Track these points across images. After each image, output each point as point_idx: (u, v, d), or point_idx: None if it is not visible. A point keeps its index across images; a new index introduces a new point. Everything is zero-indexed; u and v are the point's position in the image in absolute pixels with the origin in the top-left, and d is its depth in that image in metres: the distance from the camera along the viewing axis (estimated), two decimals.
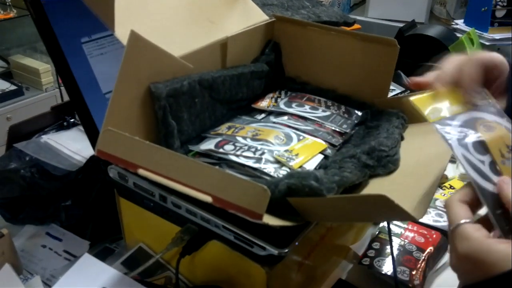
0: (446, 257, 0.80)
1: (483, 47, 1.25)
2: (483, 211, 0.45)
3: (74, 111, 0.88)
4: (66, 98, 0.94)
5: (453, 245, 0.42)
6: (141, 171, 0.51)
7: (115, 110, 0.56)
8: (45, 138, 0.90)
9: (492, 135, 0.47)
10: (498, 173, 0.46)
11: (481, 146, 0.46)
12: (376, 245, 0.79)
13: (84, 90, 0.70)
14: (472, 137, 0.47)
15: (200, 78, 0.68)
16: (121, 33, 0.62)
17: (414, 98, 0.51)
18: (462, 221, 0.42)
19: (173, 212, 0.62)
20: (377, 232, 0.82)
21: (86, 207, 0.76)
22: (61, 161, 0.84)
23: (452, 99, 0.51)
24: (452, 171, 1.04)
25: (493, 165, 0.46)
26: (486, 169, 0.45)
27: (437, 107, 0.49)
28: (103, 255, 0.73)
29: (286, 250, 0.54)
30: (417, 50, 1.22)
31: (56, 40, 0.68)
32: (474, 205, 0.44)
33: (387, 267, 0.74)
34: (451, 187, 0.97)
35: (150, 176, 0.50)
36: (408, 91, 1.12)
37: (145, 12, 0.68)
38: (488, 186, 0.44)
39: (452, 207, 0.44)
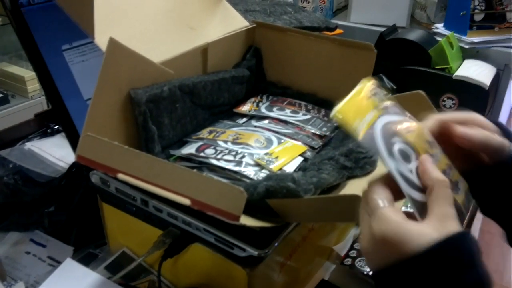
0: None
1: (463, 50, 1.27)
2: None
3: (56, 118, 0.89)
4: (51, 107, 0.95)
5: (369, 227, 0.40)
6: (121, 176, 0.51)
7: (95, 116, 0.56)
8: (29, 145, 0.91)
9: (413, 135, 0.44)
10: None
11: (405, 152, 0.43)
12: (358, 245, 0.80)
13: (65, 97, 0.71)
14: (396, 146, 0.43)
15: (181, 84, 0.69)
16: (101, 40, 0.63)
17: (339, 109, 0.43)
18: (382, 204, 0.40)
19: (155, 216, 0.63)
20: (359, 233, 0.83)
21: (70, 213, 0.76)
22: (45, 167, 0.85)
23: (364, 105, 0.45)
24: None
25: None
26: (414, 177, 0.42)
27: (358, 118, 0.43)
28: (87, 260, 0.74)
29: (266, 251, 0.55)
30: (398, 54, 1.24)
31: (37, 48, 0.69)
32: (395, 191, 0.43)
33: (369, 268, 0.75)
34: None
35: (129, 180, 0.51)
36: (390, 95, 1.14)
37: (125, 19, 0.69)
38: (420, 197, 0.42)
39: (374, 190, 0.42)
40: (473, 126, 0.46)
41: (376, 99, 0.46)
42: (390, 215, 0.39)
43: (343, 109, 0.43)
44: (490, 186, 0.47)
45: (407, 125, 0.45)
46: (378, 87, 0.47)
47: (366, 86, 0.46)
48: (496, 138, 0.45)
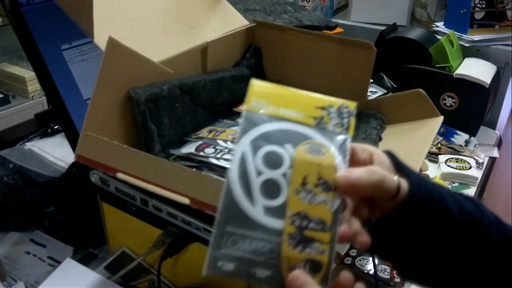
0: None
1: (463, 49, 1.27)
2: None
3: (55, 117, 0.89)
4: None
5: None
6: (120, 175, 0.51)
7: (94, 115, 0.56)
8: (29, 145, 0.91)
9: (311, 158, 0.36)
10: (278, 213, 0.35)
11: (273, 182, 0.35)
12: None
13: (65, 97, 0.71)
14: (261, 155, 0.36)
15: (180, 83, 0.69)
16: (101, 39, 0.63)
17: (255, 83, 0.39)
18: None
19: (155, 216, 0.63)
20: None
21: (69, 212, 0.76)
22: (45, 167, 0.84)
23: (297, 103, 0.39)
24: (434, 171, 1.05)
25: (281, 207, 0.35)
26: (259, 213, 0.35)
27: (268, 101, 0.38)
28: (87, 260, 0.73)
29: None
30: (398, 53, 1.24)
31: (36, 48, 0.69)
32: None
33: (369, 266, 0.75)
34: None
35: (128, 179, 0.51)
36: (390, 93, 1.14)
37: (124, 19, 0.69)
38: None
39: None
40: (359, 166, 0.38)
41: (325, 113, 0.38)
42: None
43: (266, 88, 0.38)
44: (391, 238, 0.41)
45: (320, 148, 0.37)
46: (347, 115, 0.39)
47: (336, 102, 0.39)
48: (389, 178, 0.38)
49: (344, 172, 0.36)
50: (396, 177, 0.39)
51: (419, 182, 0.40)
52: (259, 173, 0.35)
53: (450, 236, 0.40)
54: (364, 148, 0.40)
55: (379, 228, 0.40)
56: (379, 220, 0.41)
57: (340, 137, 0.38)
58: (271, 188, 0.35)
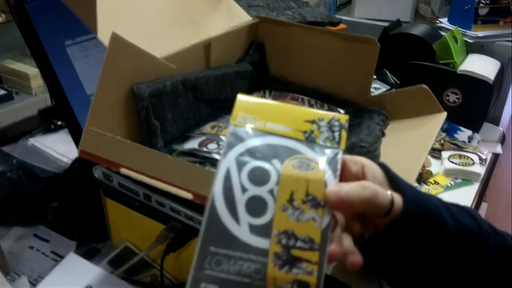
0: None
1: (467, 45, 1.27)
2: None
3: (59, 113, 0.89)
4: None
5: None
6: (123, 170, 0.52)
7: (97, 111, 0.56)
8: (32, 141, 0.91)
9: (298, 173, 0.34)
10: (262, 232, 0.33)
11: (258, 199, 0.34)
12: None
13: (68, 93, 0.71)
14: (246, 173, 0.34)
15: (184, 79, 0.69)
16: (104, 35, 0.63)
17: (241, 98, 0.38)
18: None
19: (158, 211, 0.63)
20: None
21: (73, 208, 0.77)
22: (48, 163, 0.85)
23: (285, 117, 0.37)
24: (436, 167, 1.05)
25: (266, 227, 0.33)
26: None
27: (255, 116, 0.37)
28: (90, 255, 0.74)
29: None
30: (402, 49, 1.23)
31: (40, 44, 0.69)
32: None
33: None
34: (435, 182, 0.98)
35: (132, 175, 0.51)
36: (393, 89, 1.13)
37: (127, 14, 0.69)
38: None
39: None
40: (350, 179, 0.37)
41: (315, 126, 0.37)
42: None
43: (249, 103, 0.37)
44: (385, 256, 0.40)
45: (309, 163, 0.35)
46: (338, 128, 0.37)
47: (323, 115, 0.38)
48: (381, 194, 0.37)
49: (334, 187, 0.34)
50: (389, 192, 0.38)
51: (413, 196, 0.39)
52: (244, 190, 0.34)
53: (447, 252, 0.39)
54: (356, 161, 0.39)
55: (372, 245, 0.39)
56: (371, 237, 0.39)
57: (331, 151, 0.36)
58: (256, 206, 0.33)
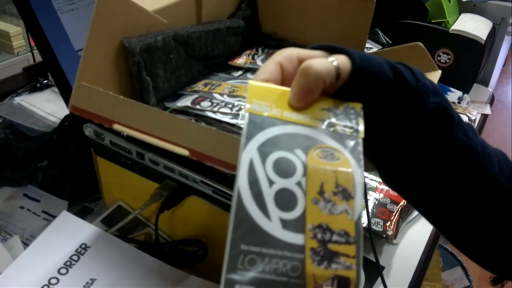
0: None
1: (460, 4, 1.25)
2: None
3: (47, 70, 0.86)
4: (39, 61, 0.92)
5: None
6: (116, 126, 0.50)
7: (87, 65, 0.55)
8: (18, 100, 0.89)
9: (326, 164, 0.33)
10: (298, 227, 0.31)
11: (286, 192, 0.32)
12: None
13: (56, 48, 0.68)
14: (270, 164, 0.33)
15: (175, 34, 0.67)
16: None
17: (253, 83, 0.37)
18: None
19: (151, 169, 0.62)
20: None
21: (63, 167, 0.75)
22: (36, 122, 0.83)
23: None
24: None
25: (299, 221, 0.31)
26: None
27: (270, 104, 0.36)
28: (82, 214, 0.73)
29: None
30: (394, 7, 1.22)
31: None
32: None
33: (363, 219, 0.76)
34: None
35: (125, 130, 0.50)
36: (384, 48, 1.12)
37: None
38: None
39: None
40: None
41: (331, 114, 0.36)
42: None
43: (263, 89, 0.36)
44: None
45: (333, 152, 0.34)
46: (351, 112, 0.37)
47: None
48: (317, 61, 0.36)
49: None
50: (330, 58, 0.37)
51: (358, 53, 0.38)
52: (271, 183, 0.32)
53: (387, 104, 0.39)
54: (290, 59, 0.38)
55: None
56: None
57: (351, 140, 0.34)
58: (286, 199, 0.31)
